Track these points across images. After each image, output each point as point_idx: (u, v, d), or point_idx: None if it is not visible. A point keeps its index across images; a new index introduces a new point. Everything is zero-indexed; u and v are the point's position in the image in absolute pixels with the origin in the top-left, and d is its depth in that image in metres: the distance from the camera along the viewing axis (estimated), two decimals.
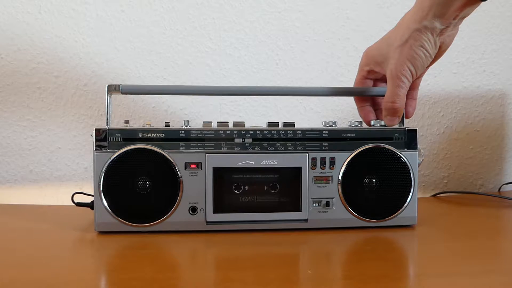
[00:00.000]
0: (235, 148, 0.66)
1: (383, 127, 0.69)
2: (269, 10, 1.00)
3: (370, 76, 0.73)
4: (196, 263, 0.56)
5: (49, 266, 0.52)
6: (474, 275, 0.50)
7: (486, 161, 1.08)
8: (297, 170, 0.67)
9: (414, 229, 0.68)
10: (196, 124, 0.68)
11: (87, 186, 0.94)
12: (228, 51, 0.99)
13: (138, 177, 0.64)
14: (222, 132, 0.66)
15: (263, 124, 0.69)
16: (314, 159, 0.67)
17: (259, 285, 0.47)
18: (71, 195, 0.72)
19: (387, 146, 0.68)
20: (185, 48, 0.98)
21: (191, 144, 0.65)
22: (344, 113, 1.02)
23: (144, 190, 0.64)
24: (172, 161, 0.64)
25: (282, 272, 0.51)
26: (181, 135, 0.65)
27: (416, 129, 0.69)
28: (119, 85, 0.67)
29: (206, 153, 0.65)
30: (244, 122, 0.68)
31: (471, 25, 1.05)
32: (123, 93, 0.67)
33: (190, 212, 0.65)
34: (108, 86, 0.67)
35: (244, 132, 0.66)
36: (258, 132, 0.66)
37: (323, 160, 0.67)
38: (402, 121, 0.70)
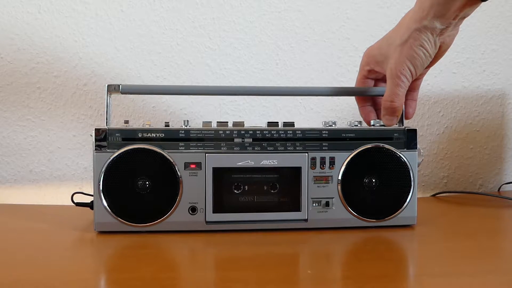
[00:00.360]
0: (235, 148, 0.66)
1: (383, 127, 0.69)
2: (269, 10, 1.00)
3: (371, 76, 0.73)
4: (196, 263, 0.56)
5: (49, 266, 0.52)
6: (474, 275, 0.50)
7: (486, 161, 1.08)
8: (297, 170, 0.67)
9: (414, 229, 0.68)
10: (196, 124, 0.68)
11: (87, 186, 0.94)
12: (228, 51, 0.99)
13: (138, 177, 0.64)
14: (222, 132, 0.66)
15: (263, 124, 0.69)
16: (314, 159, 0.67)
17: (259, 285, 0.47)
18: (71, 195, 0.72)
19: (386, 146, 0.68)
20: (185, 48, 0.98)
21: (191, 144, 0.65)
22: (344, 113, 1.02)
23: (144, 190, 0.64)
24: (172, 161, 0.64)
25: (282, 272, 0.51)
26: (181, 135, 0.65)
27: (416, 129, 0.69)
28: (119, 85, 0.67)
29: (206, 153, 0.65)
30: (244, 122, 0.68)
31: (471, 25, 1.05)
32: (123, 93, 0.67)
33: (190, 212, 0.65)
34: (108, 86, 0.67)
35: (244, 132, 0.66)
36: (258, 132, 0.66)
37: (322, 160, 0.67)
38: (401, 121, 0.70)
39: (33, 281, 0.47)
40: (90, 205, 0.68)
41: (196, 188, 0.65)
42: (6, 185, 0.95)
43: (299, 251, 0.61)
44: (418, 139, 0.69)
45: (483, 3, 0.61)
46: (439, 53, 0.65)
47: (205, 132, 0.66)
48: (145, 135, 0.65)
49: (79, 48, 0.95)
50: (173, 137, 0.65)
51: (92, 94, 0.95)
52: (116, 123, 0.68)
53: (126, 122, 0.67)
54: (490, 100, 1.08)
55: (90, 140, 0.65)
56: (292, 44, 1.01)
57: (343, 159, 0.67)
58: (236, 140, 0.66)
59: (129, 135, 0.64)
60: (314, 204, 0.67)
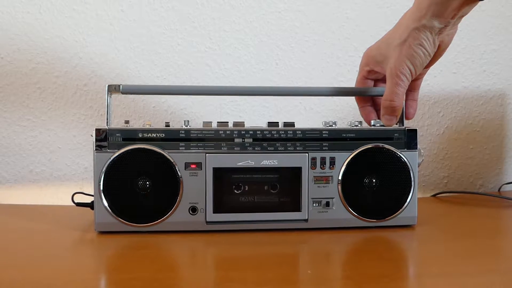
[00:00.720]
0: (235, 148, 0.66)
1: (383, 127, 0.69)
2: (269, 10, 1.00)
3: (371, 76, 0.73)
4: (196, 263, 0.56)
5: (49, 266, 0.52)
6: (474, 275, 0.50)
7: (486, 161, 1.08)
8: (297, 170, 0.67)
9: (414, 229, 0.68)
10: (196, 124, 0.68)
11: (87, 186, 0.94)
12: (228, 51, 0.99)
13: (138, 177, 0.64)
14: (222, 132, 0.66)
15: (263, 124, 0.69)
16: (314, 159, 0.67)
17: (259, 285, 0.47)
18: (71, 195, 0.72)
19: (387, 146, 0.68)
20: (185, 48, 0.98)
21: (191, 144, 0.65)
22: (344, 113, 1.02)
23: (144, 190, 0.64)
24: (172, 161, 0.64)
25: (282, 272, 0.51)
26: (181, 135, 0.65)
27: (416, 129, 0.69)
28: (119, 85, 0.67)
29: (206, 153, 0.65)
30: (244, 122, 0.68)
31: (471, 25, 1.05)
32: (123, 93, 0.67)
33: (190, 212, 0.65)
34: (108, 86, 0.67)
35: (244, 132, 0.66)
36: (258, 132, 0.66)
37: (323, 160, 0.67)
38: (402, 121, 0.70)
39: (33, 281, 0.47)
40: (90, 205, 0.68)
41: (197, 188, 0.65)
42: (6, 185, 0.95)
43: (299, 251, 0.61)
44: (418, 139, 0.69)
45: (481, 2, 0.61)
46: (438, 52, 0.65)
47: (206, 132, 0.66)
48: (145, 135, 0.65)
49: (80, 48, 0.95)
50: (174, 137, 0.65)
51: (92, 94, 0.95)
52: (117, 123, 0.68)
53: (127, 122, 0.67)
54: (490, 100, 1.08)
55: (90, 140, 0.65)
56: (292, 44, 1.01)
57: (344, 159, 0.67)
58: (236, 140, 0.66)
59: (129, 135, 0.64)
60: (314, 204, 0.67)
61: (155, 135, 0.65)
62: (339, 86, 0.99)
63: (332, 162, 0.67)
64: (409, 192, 0.68)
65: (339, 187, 0.67)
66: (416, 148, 0.69)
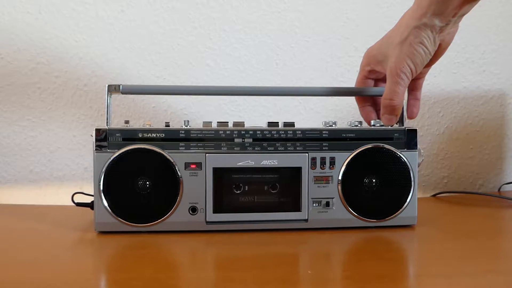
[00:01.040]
0: (235, 148, 0.66)
1: (383, 127, 0.69)
2: (269, 10, 1.00)
3: (371, 76, 0.73)
4: (196, 263, 0.56)
5: (49, 266, 0.52)
6: (474, 275, 0.50)
7: (486, 161, 1.08)
8: (297, 170, 0.67)
9: (414, 229, 0.68)
10: (196, 124, 0.68)
11: (87, 186, 0.94)
12: (228, 51, 0.99)
13: (138, 177, 0.64)
14: (222, 132, 0.66)
15: (263, 124, 0.69)
16: (314, 159, 0.67)
17: (259, 285, 0.47)
18: (71, 195, 0.72)
19: (387, 146, 0.68)
20: (185, 48, 0.98)
21: (191, 144, 0.65)
22: (344, 113, 1.02)
23: (144, 190, 0.64)
24: (172, 161, 0.64)
25: (282, 272, 0.51)
26: (181, 135, 0.65)
27: (416, 129, 0.69)
28: (119, 85, 0.67)
29: (206, 153, 0.65)
30: (244, 122, 0.68)
31: (471, 25, 1.05)
32: (123, 93, 0.67)
33: (190, 212, 0.65)
34: (108, 86, 0.67)
35: (244, 132, 0.66)
36: (258, 132, 0.66)
37: (323, 160, 0.67)
38: (401, 121, 0.70)
39: (33, 281, 0.47)
40: (90, 205, 0.68)
41: (197, 188, 0.65)
42: (6, 185, 0.95)
43: (299, 251, 0.61)
44: (418, 139, 0.69)
45: (481, 2, 0.61)
46: (439, 51, 0.65)
47: (206, 132, 0.66)
48: (145, 135, 0.65)
49: (80, 48, 0.95)
50: (174, 137, 0.65)
51: (92, 94, 0.95)
52: (117, 123, 0.68)
53: (127, 122, 0.67)
54: (490, 100, 1.08)
55: (90, 140, 0.65)
56: (292, 44, 1.01)
57: (343, 159, 0.67)
58: (236, 140, 0.66)
59: (129, 135, 0.64)
60: (314, 204, 0.67)
61: (155, 135, 0.65)
62: (339, 86, 0.99)
63: (332, 162, 0.67)
64: (409, 192, 0.68)
65: (339, 187, 0.67)
66: (416, 148, 0.69)
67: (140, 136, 0.64)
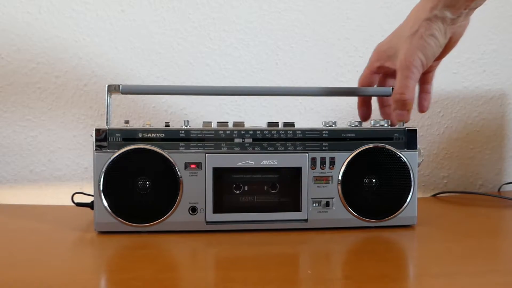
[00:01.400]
0: (235, 148, 0.66)
1: (383, 127, 0.69)
2: (269, 10, 1.00)
3: (379, 71, 0.72)
4: (196, 263, 0.56)
5: (49, 266, 0.52)
6: (474, 275, 0.50)
7: (486, 161, 1.08)
8: (297, 170, 0.67)
9: (414, 229, 0.68)
10: (196, 124, 0.68)
11: (87, 186, 0.94)
12: (228, 51, 0.99)
13: (138, 177, 0.64)
14: (222, 132, 0.66)
15: (263, 124, 0.69)
16: (314, 159, 0.67)
17: (259, 285, 0.47)
18: (71, 195, 0.72)
19: (387, 146, 0.68)
20: (185, 48, 0.98)
21: (191, 144, 0.65)
22: (344, 113, 1.02)
23: (144, 190, 0.64)
24: (172, 161, 0.64)
25: (282, 272, 0.51)
26: (181, 135, 0.65)
27: (416, 129, 0.69)
28: (119, 85, 0.67)
29: (206, 153, 0.65)
30: (244, 122, 0.68)
31: (471, 25, 1.05)
32: (123, 93, 0.67)
33: (190, 212, 0.65)
34: (108, 86, 0.67)
35: (244, 132, 0.66)
36: (258, 132, 0.66)
37: (323, 160, 0.67)
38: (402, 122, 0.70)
39: (33, 281, 0.47)
40: (90, 205, 0.68)
41: (196, 188, 0.65)
42: (6, 185, 0.95)
43: (299, 251, 0.61)
44: (418, 139, 0.69)
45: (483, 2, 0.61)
46: (450, 44, 0.64)
47: (205, 132, 0.66)
48: (145, 135, 0.65)
49: (80, 48, 0.95)
50: (173, 137, 0.65)
51: (92, 94, 0.95)
52: (117, 123, 0.68)
53: (127, 122, 0.67)
54: (490, 100, 1.08)
55: (90, 140, 0.65)
56: (292, 44, 1.01)
57: (343, 159, 0.67)
58: (236, 140, 0.66)
59: (129, 135, 0.64)
60: (314, 204, 0.67)
61: (155, 135, 0.65)
62: (339, 86, 0.99)
63: (332, 162, 0.67)
64: (409, 192, 0.68)
65: (339, 187, 0.67)
66: (416, 148, 0.69)
67: (140, 136, 0.64)
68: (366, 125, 0.72)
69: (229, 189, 0.66)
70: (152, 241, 0.62)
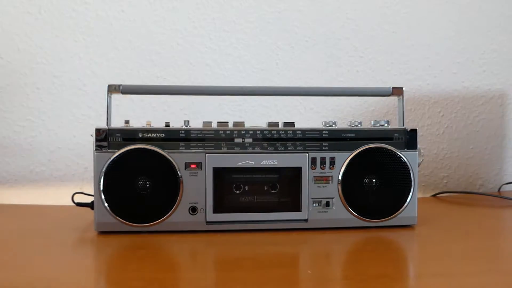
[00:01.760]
0: (235, 148, 0.66)
1: (383, 127, 0.69)
2: (269, 10, 1.00)
3: None
4: (196, 263, 0.56)
5: (49, 266, 0.52)
6: (474, 275, 0.50)
7: (486, 161, 1.08)
8: (297, 170, 0.67)
9: (414, 229, 0.68)
10: (196, 124, 0.68)
11: (87, 186, 0.94)
12: (228, 51, 0.99)
13: (138, 177, 0.64)
14: (222, 132, 0.66)
15: (263, 124, 0.69)
16: (314, 159, 0.67)
17: (259, 285, 0.47)
18: (71, 195, 0.72)
19: (387, 146, 0.68)
20: (185, 48, 0.98)
21: (191, 144, 0.65)
22: (344, 113, 1.02)
23: (144, 190, 0.64)
24: (172, 161, 0.64)
25: (282, 272, 0.51)
26: (181, 135, 0.65)
27: (416, 129, 0.69)
28: (119, 85, 0.67)
29: (206, 153, 0.65)
30: (244, 122, 0.68)
31: (471, 25, 1.05)
32: (123, 93, 0.67)
33: (190, 212, 0.65)
34: (108, 86, 0.67)
35: (244, 132, 0.66)
36: (258, 132, 0.66)
37: (323, 160, 0.67)
38: (402, 122, 0.70)
39: (33, 281, 0.47)
40: (90, 205, 0.68)
41: (197, 188, 0.65)
42: (6, 185, 0.95)
43: (299, 251, 0.61)
44: (418, 139, 0.69)
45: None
46: None
47: (206, 132, 0.66)
48: (145, 135, 0.65)
49: (79, 48, 0.95)
50: (174, 137, 0.65)
51: (92, 94, 0.95)
52: (117, 123, 0.68)
53: (127, 122, 0.67)
54: (490, 100, 1.08)
55: (90, 140, 0.65)
56: (292, 44, 1.01)
57: (344, 159, 0.67)
58: (236, 140, 0.66)
59: (129, 135, 0.64)
60: (314, 204, 0.67)
61: (155, 135, 0.65)
62: (339, 86, 0.99)
63: (332, 162, 0.67)
64: (409, 192, 0.68)
65: (339, 187, 0.67)
66: (416, 148, 0.69)
67: (140, 136, 0.64)
68: (366, 125, 0.72)
69: (229, 189, 0.66)
70: (152, 241, 0.62)
